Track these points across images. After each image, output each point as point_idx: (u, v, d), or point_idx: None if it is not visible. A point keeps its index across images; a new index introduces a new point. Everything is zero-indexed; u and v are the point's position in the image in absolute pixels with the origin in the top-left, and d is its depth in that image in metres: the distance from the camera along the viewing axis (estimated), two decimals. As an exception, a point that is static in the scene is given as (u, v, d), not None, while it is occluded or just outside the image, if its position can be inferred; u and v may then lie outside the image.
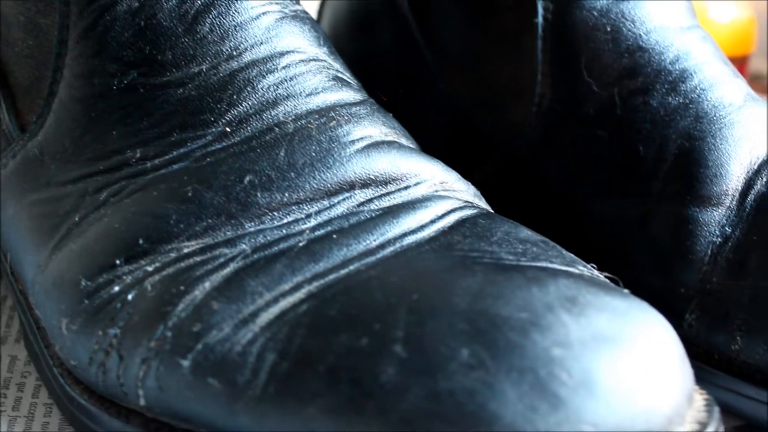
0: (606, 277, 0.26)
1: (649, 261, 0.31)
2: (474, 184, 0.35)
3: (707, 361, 0.30)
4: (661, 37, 0.32)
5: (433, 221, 0.26)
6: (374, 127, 0.28)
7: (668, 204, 0.30)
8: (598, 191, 0.32)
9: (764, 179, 0.30)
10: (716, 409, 0.23)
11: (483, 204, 0.29)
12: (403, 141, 0.29)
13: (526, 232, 0.27)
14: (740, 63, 0.47)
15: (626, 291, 0.24)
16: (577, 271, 0.25)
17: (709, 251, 0.30)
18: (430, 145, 0.36)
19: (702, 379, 0.30)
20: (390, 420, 0.21)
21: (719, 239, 0.30)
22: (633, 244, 0.31)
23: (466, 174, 0.35)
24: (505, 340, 0.21)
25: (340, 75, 0.30)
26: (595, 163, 0.32)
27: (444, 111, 0.35)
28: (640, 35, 0.32)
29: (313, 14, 0.41)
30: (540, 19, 0.32)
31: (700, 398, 0.24)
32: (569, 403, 0.20)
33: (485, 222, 0.27)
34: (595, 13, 0.32)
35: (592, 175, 0.32)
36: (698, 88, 0.31)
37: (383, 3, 0.36)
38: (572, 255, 0.26)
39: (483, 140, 0.34)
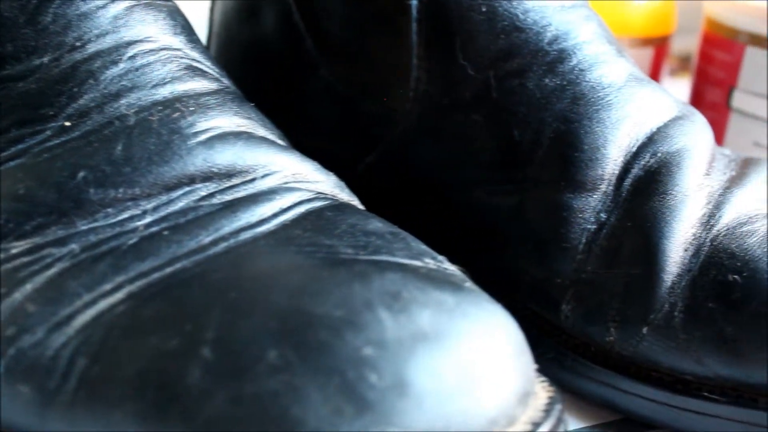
0: (461, 270, 0.25)
1: (526, 250, 0.29)
2: (359, 173, 0.34)
3: (584, 354, 0.29)
4: (539, 17, 0.30)
5: (275, 215, 0.25)
6: (224, 118, 0.27)
7: (544, 190, 0.29)
8: (476, 178, 0.31)
9: (642, 162, 0.29)
10: (557, 408, 0.22)
11: (344, 195, 0.28)
12: (260, 132, 0.28)
13: (375, 224, 0.26)
14: (661, 43, 0.46)
15: (468, 285, 0.23)
16: (419, 264, 0.24)
17: (583, 239, 0.28)
18: (318, 134, 0.35)
19: (579, 373, 0.28)
20: (193, 425, 0.20)
21: (594, 226, 0.28)
22: (511, 232, 0.30)
23: (353, 163, 0.34)
24: (316, 340, 0.20)
25: (195, 64, 0.28)
26: (471, 149, 0.30)
27: (327, 99, 0.34)
28: (517, 15, 0.30)
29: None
30: (414, 1, 0.31)
31: (543, 396, 0.23)
32: (377, 406, 0.19)
33: (332, 214, 0.26)
34: (470, -7, 0.30)
35: (469, 161, 0.31)
36: (576, 68, 0.30)
37: (267, -12, 0.35)
38: (423, 247, 0.25)
39: (366, 128, 0.33)
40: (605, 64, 0.30)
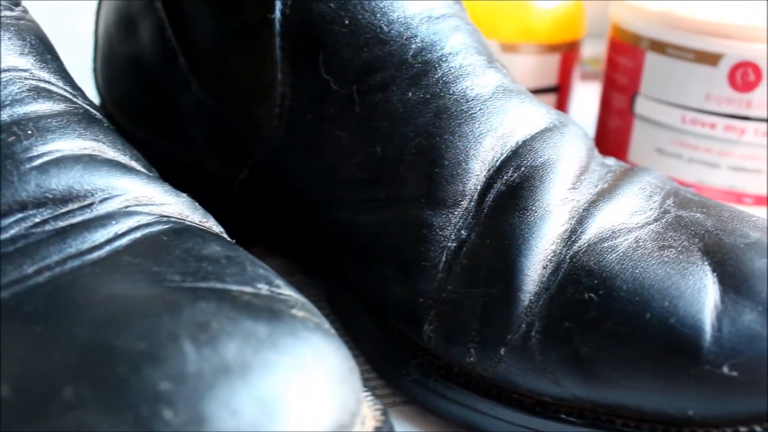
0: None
1: (390, 269, 0.29)
2: (236, 190, 0.33)
3: (447, 375, 0.28)
4: (404, 29, 0.30)
5: (109, 241, 0.24)
6: (65, 141, 0.26)
7: (405, 208, 0.28)
8: (341, 196, 0.30)
9: (505, 177, 0.28)
10: None
11: (196, 216, 0.27)
12: (108, 154, 0.27)
13: (212, 248, 0.25)
14: (569, 49, 0.45)
15: (295, 312, 0.22)
16: (250, 290, 0.23)
17: (443, 257, 0.28)
18: (194, 151, 0.34)
19: (442, 395, 0.28)
20: (-11, 470, 0.19)
21: (454, 244, 0.28)
22: (376, 251, 0.29)
23: (229, 180, 0.33)
24: (114, 375, 0.19)
25: (42, 85, 0.27)
26: (336, 166, 0.30)
27: (200, 115, 0.33)
28: (381, 27, 0.30)
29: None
30: (278, 14, 0.30)
31: (370, 426, 0.22)
32: (170, 444, 0.18)
33: (168, 239, 0.25)
34: (333, 5, 0.29)
35: (334, 179, 0.30)
36: (441, 81, 0.29)
37: (142, 1, 0.34)
38: (260, 272, 0.24)
39: (237, 145, 0.32)
40: (472, 76, 0.30)
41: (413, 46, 0.30)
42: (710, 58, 0.39)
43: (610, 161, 0.32)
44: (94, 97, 0.41)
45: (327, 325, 0.23)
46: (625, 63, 0.43)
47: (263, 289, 0.24)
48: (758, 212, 0.41)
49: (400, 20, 0.30)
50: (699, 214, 0.28)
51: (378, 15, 0.30)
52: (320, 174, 0.30)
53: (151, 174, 0.28)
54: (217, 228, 0.28)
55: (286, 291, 0.24)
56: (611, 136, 0.44)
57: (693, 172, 0.41)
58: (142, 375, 0.19)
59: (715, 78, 0.39)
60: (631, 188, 0.29)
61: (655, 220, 0.28)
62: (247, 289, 0.23)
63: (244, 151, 0.32)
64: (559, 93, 0.46)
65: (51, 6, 0.66)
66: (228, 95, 0.32)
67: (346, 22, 0.29)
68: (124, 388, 0.19)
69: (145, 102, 0.35)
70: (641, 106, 0.42)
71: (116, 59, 0.36)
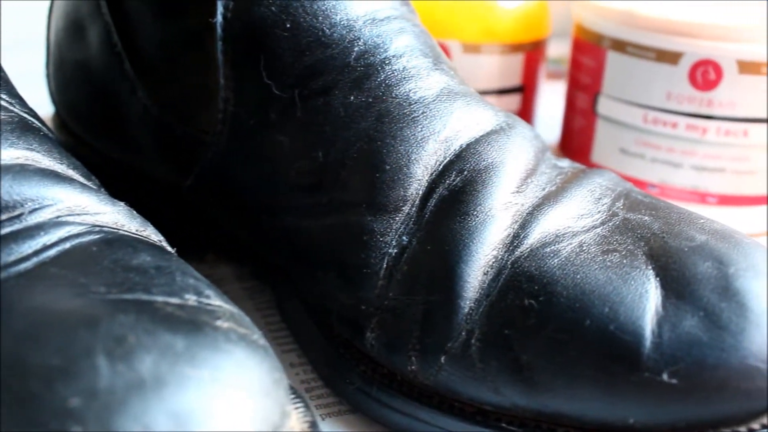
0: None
1: (334, 276, 0.28)
2: (184, 195, 0.33)
3: (390, 383, 0.27)
4: (346, 32, 0.29)
5: (37, 252, 0.24)
6: (-5, 150, 0.26)
7: (348, 213, 0.28)
8: (286, 202, 0.29)
9: (448, 181, 0.28)
10: None
11: (134, 224, 0.27)
12: (43, 163, 0.27)
13: (142, 258, 0.24)
14: (533, 48, 0.44)
15: (220, 324, 0.22)
16: (176, 301, 0.22)
17: (384, 264, 0.27)
18: (143, 156, 0.34)
19: (385, 403, 0.27)
20: None
21: (396, 250, 0.27)
22: (320, 257, 0.29)
23: (176, 185, 0.33)
24: (27, 392, 0.19)
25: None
26: (279, 171, 0.29)
27: (147, 121, 0.32)
28: (323, 30, 0.29)
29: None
30: (219, 18, 0.29)
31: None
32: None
33: (97, 249, 0.24)
34: (274, 9, 0.29)
35: (278, 184, 0.29)
36: (383, 84, 0.29)
37: (89, 5, 0.33)
38: (191, 281, 0.24)
39: (182, 151, 0.32)
40: (415, 79, 0.29)
41: (356, 49, 0.29)
42: (671, 57, 0.38)
43: (564, 163, 0.32)
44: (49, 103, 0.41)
45: (256, 335, 0.23)
46: (587, 62, 0.42)
47: (191, 299, 0.23)
48: (722, 212, 0.40)
49: (342, 23, 0.29)
50: (647, 217, 0.28)
51: (320, 18, 0.29)
52: (264, 179, 0.30)
53: (88, 183, 0.28)
54: (155, 236, 0.28)
55: (216, 301, 0.24)
56: (575, 137, 0.44)
57: (656, 172, 0.40)
58: (53, 391, 0.19)
59: (675, 77, 0.38)
60: (579, 191, 0.29)
61: (602, 223, 0.28)
62: (174, 300, 0.23)
63: (189, 157, 0.32)
64: (523, 93, 0.45)
65: (9, 7, 0.66)
66: (172, 101, 0.32)
67: (288, 25, 0.29)
68: (37, 404, 0.19)
69: (95, 108, 0.35)
70: (604, 105, 0.41)
71: (66, 65, 0.36)
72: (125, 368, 0.19)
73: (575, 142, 0.44)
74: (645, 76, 0.39)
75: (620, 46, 0.40)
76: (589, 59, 0.42)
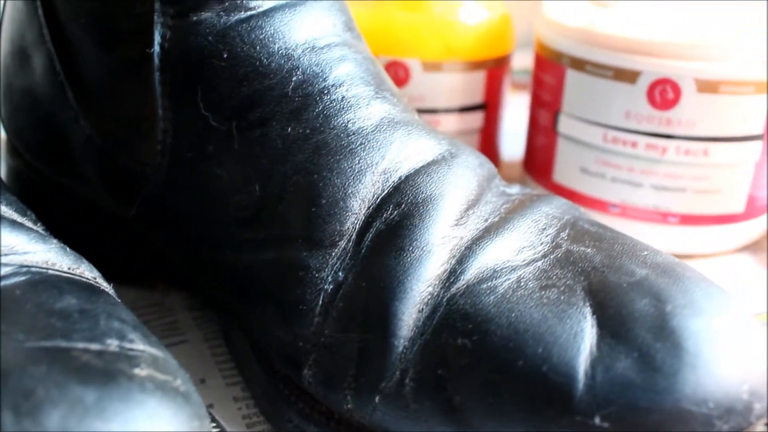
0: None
1: (272, 312, 0.28)
2: (130, 224, 0.32)
3: (328, 422, 0.27)
4: (284, 61, 0.29)
5: (-39, 296, 0.23)
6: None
7: (285, 248, 0.27)
8: (223, 236, 0.29)
9: (385, 215, 0.27)
10: None
11: (65, 262, 0.26)
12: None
13: (67, 302, 0.24)
14: (495, 65, 0.44)
15: (135, 372, 0.21)
16: (97, 347, 0.22)
17: (320, 300, 0.27)
18: (88, 185, 0.33)
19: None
20: None
21: (331, 286, 0.27)
22: (258, 293, 0.28)
23: (123, 216, 0.33)
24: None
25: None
26: (217, 205, 0.29)
27: (90, 150, 0.32)
28: (261, 60, 0.29)
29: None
30: (156, 48, 0.29)
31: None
32: None
33: (21, 293, 0.24)
34: (211, 39, 0.28)
35: (216, 218, 0.29)
36: (321, 115, 0.28)
37: (33, 32, 0.33)
38: (116, 325, 0.23)
39: (124, 182, 0.31)
40: (354, 109, 0.29)
41: (294, 78, 0.29)
42: (629, 76, 0.38)
43: (513, 189, 0.31)
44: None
45: (179, 381, 0.22)
46: (548, 80, 0.42)
47: (112, 345, 0.23)
48: (684, 232, 0.40)
49: (281, 52, 0.29)
50: (590, 249, 0.27)
51: (258, 47, 0.29)
52: (203, 213, 0.29)
53: (21, 219, 0.28)
54: (90, 273, 0.27)
55: (139, 346, 0.23)
56: (538, 155, 0.43)
57: (617, 192, 0.40)
58: (-45, 448, 0.19)
59: (634, 95, 0.38)
60: (523, 221, 0.28)
61: (544, 256, 0.27)
62: (94, 346, 0.22)
63: (131, 188, 0.31)
64: (486, 110, 0.45)
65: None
66: (113, 131, 0.31)
67: (225, 55, 0.28)
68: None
69: (42, 135, 0.34)
70: (564, 124, 0.41)
71: (14, 90, 0.35)
72: (31, 424, 0.19)
73: (538, 161, 0.43)
74: (604, 94, 0.39)
75: (579, 64, 0.39)
76: (549, 77, 0.41)
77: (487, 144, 0.46)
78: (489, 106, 0.45)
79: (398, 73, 0.42)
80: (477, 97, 0.44)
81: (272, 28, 0.29)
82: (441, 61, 0.42)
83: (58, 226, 0.30)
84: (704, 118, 0.37)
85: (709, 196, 0.39)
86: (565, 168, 0.41)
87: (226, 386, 0.31)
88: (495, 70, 0.44)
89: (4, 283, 0.24)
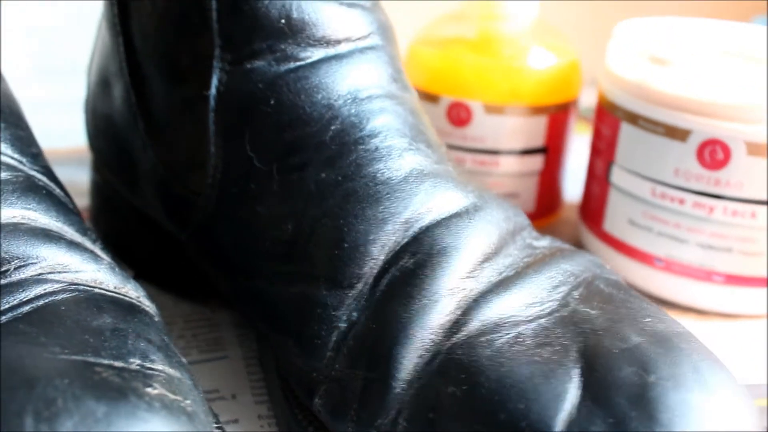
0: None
1: (293, 341, 0.30)
2: (183, 251, 0.35)
3: (334, 450, 0.29)
4: (325, 110, 0.31)
5: (12, 308, 0.27)
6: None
7: (309, 285, 0.30)
8: (259, 267, 0.31)
9: (401, 263, 0.29)
10: None
11: (112, 282, 0.29)
12: (40, 221, 0.30)
13: (102, 320, 0.27)
14: (561, 110, 0.45)
15: (147, 391, 0.24)
16: (120, 365, 0.25)
17: (334, 337, 0.29)
18: (153, 207, 0.37)
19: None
20: None
21: (345, 325, 0.29)
22: (283, 323, 0.31)
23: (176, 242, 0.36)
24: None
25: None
26: (256, 238, 0.31)
27: (154, 177, 0.35)
28: (304, 108, 0.31)
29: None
30: (213, 91, 0.32)
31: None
32: None
33: (64, 309, 0.27)
34: (261, 86, 0.31)
35: (254, 249, 0.31)
36: (354, 163, 0.30)
37: (115, 64, 0.37)
38: (143, 346, 0.26)
39: (179, 209, 0.34)
40: (386, 159, 0.31)
41: (333, 127, 0.31)
42: (680, 134, 0.38)
43: (543, 242, 0.33)
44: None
45: (187, 402, 0.25)
46: (604, 130, 0.42)
47: (134, 363, 0.25)
48: (728, 291, 0.40)
49: (323, 102, 0.31)
50: (595, 311, 0.28)
51: (302, 96, 0.31)
52: (243, 243, 0.32)
53: (81, 239, 0.31)
54: (134, 292, 0.30)
55: (159, 366, 0.26)
56: (592, 202, 0.44)
57: (662, 246, 0.40)
58: (-17, 446, 0.22)
59: (684, 153, 0.38)
60: (537, 277, 0.30)
61: (549, 313, 0.28)
62: (118, 363, 0.25)
63: (185, 215, 0.34)
64: (547, 153, 0.46)
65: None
66: (173, 161, 0.34)
67: (272, 102, 0.31)
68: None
69: (116, 157, 0.38)
70: (616, 175, 0.41)
71: (97, 114, 0.39)
72: (47, 429, 0.22)
73: (591, 209, 0.44)
74: (655, 150, 0.39)
75: (633, 118, 0.40)
76: (606, 127, 0.42)
77: (547, 186, 0.47)
78: (550, 150, 0.46)
79: (460, 114, 0.44)
80: (538, 140, 0.45)
81: (317, 78, 0.31)
82: (504, 104, 0.44)
83: (128, 238, 0.33)
84: (753, 181, 0.37)
85: (755, 259, 0.39)
86: (615, 218, 0.42)
87: (254, 404, 0.33)
88: (558, 114, 0.45)
89: (53, 298, 0.28)
